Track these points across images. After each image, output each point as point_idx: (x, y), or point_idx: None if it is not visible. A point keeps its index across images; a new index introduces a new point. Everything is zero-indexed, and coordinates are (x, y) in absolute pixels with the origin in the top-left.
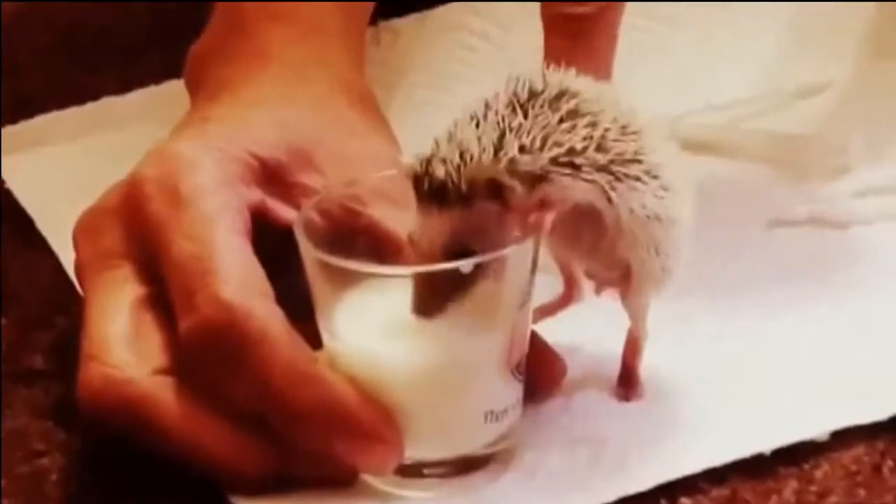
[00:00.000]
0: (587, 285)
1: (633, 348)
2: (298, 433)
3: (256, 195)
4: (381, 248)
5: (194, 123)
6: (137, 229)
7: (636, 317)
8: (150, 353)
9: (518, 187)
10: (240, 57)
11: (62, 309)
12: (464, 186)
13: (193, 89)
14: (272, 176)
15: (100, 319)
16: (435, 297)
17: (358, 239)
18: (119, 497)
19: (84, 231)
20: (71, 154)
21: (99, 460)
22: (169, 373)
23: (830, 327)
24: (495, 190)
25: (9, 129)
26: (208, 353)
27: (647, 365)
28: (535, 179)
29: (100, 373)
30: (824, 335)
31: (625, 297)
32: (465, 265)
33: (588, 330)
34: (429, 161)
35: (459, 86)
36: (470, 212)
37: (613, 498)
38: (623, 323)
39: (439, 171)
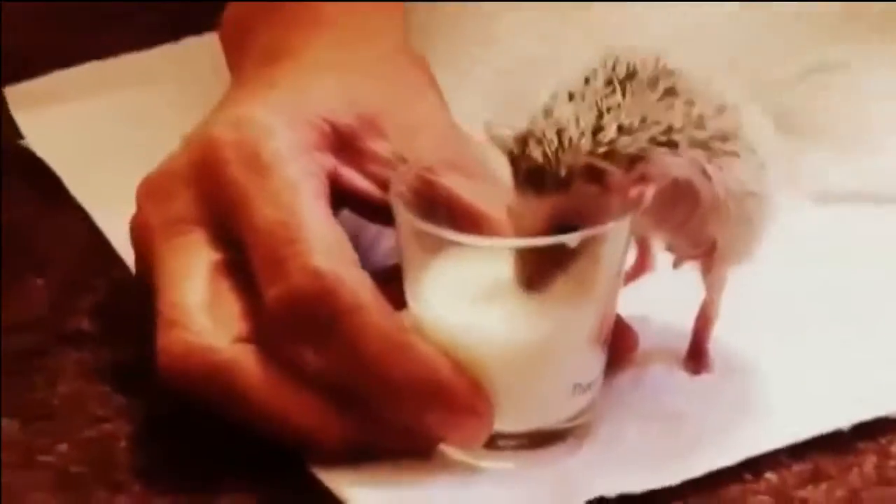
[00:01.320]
0: (662, 257)
1: (705, 321)
2: (390, 404)
3: (330, 162)
4: (458, 218)
5: (260, 89)
6: (212, 194)
7: (714, 291)
8: (231, 320)
9: (616, 171)
10: (293, 21)
11: (101, 271)
12: (562, 171)
13: (238, 51)
14: (343, 142)
15: (177, 285)
16: (541, 271)
17: (438, 209)
18: (191, 464)
19: (150, 194)
20: (86, 111)
21: (166, 427)
22: (249, 340)
23: None
24: (594, 173)
25: (22, 87)
26: (299, 322)
27: (716, 339)
28: (634, 159)
29: (182, 339)
30: (890, 312)
31: (707, 271)
32: (570, 239)
33: (653, 302)
34: (525, 141)
35: (477, 66)
36: (568, 195)
37: (702, 472)
38: (687, 295)
39: (537, 154)
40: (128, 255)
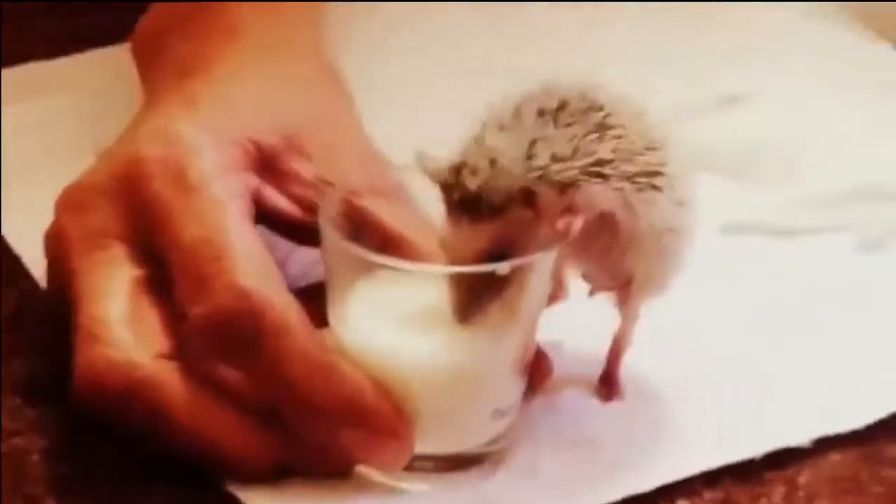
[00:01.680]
0: (576, 286)
1: (618, 349)
2: (311, 424)
3: (254, 181)
4: (382, 243)
5: (182, 104)
6: (135, 209)
7: (628, 321)
8: (152, 336)
9: (550, 194)
10: (208, 32)
11: (8, 282)
12: (496, 198)
13: (151, 62)
14: (266, 162)
15: (98, 300)
16: (475, 301)
17: (362, 232)
18: (106, 479)
19: (70, 207)
20: None
21: (80, 440)
22: (171, 357)
23: (805, 337)
24: (527, 198)
25: None
26: (222, 341)
27: (629, 366)
28: (565, 187)
29: (102, 355)
30: (800, 344)
31: (622, 302)
32: (501, 267)
33: (566, 329)
34: (458, 170)
35: (389, 67)
36: (502, 221)
37: (617, 498)
38: (600, 322)
39: (471, 183)
40: (35, 266)
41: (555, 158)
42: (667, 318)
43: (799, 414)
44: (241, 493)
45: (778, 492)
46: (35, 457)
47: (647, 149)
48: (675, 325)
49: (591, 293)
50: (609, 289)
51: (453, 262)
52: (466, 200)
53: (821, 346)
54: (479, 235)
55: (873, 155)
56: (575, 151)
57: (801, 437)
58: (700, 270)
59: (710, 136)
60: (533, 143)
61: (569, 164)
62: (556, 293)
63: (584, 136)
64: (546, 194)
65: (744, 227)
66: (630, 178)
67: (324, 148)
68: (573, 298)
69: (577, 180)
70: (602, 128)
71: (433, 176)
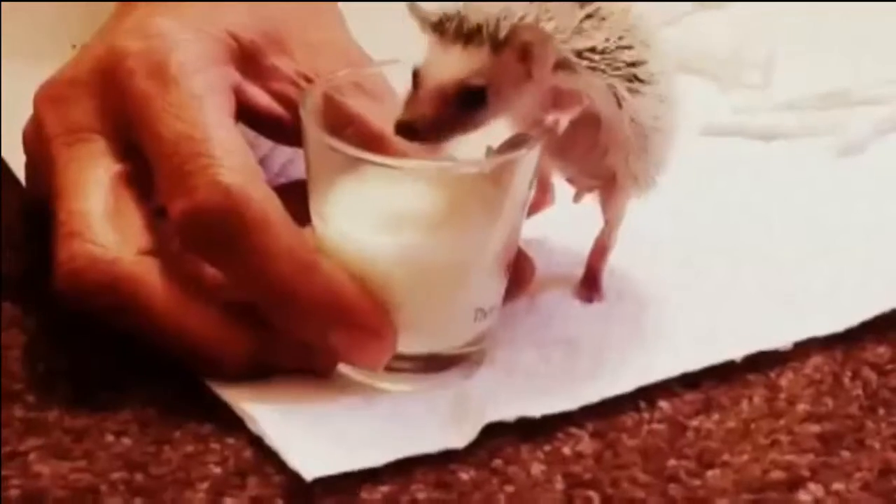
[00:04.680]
0: (563, 188)
1: (601, 251)
2: (294, 322)
3: (236, 77)
4: (364, 140)
5: (163, 1)
6: (116, 103)
7: (612, 223)
8: (133, 232)
9: (549, 57)
10: None
11: None
12: (501, 34)
13: None
14: (247, 58)
15: (78, 195)
16: (436, 123)
17: (343, 129)
18: (88, 375)
19: (50, 101)
20: None
21: (62, 337)
22: (152, 253)
23: (786, 240)
24: (524, 51)
25: None
26: (205, 237)
27: (611, 269)
28: (561, 64)
29: (84, 251)
30: (780, 247)
31: (606, 202)
32: (484, 164)
33: (551, 229)
34: (460, 10)
35: None
36: (493, 59)
37: (597, 399)
38: (582, 222)
39: (474, 16)
40: (12, 162)
41: (556, 31)
42: (647, 220)
43: (780, 316)
44: (221, 392)
45: (759, 394)
46: (16, 352)
47: (638, 44)
48: (655, 227)
49: (577, 198)
50: (592, 189)
51: (429, 83)
52: (463, 28)
53: (801, 248)
54: (467, 59)
55: (846, 62)
56: (575, 31)
57: (781, 339)
58: (681, 172)
59: (689, 40)
60: (542, 9)
61: (567, 43)
62: (543, 199)
63: (581, 21)
64: (542, 53)
65: (724, 130)
66: (618, 68)
67: (305, 45)
68: (558, 198)
69: (571, 63)
70: (597, 17)
71: (430, 15)
